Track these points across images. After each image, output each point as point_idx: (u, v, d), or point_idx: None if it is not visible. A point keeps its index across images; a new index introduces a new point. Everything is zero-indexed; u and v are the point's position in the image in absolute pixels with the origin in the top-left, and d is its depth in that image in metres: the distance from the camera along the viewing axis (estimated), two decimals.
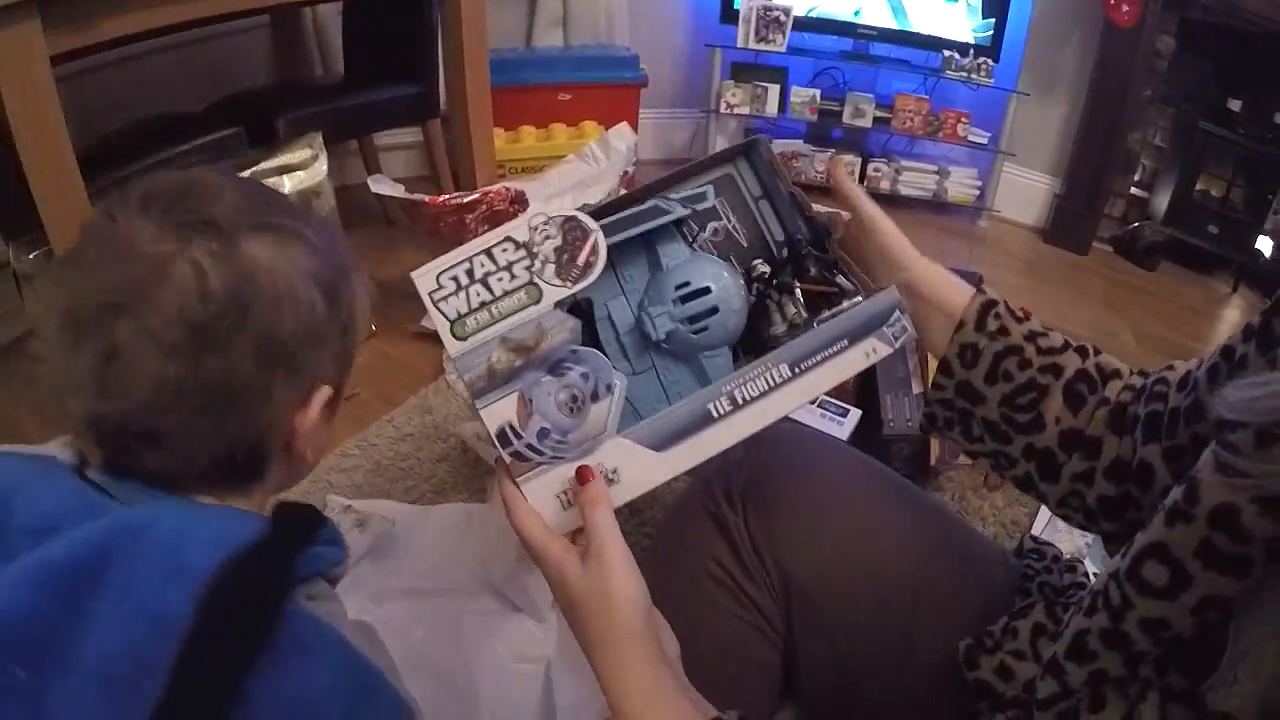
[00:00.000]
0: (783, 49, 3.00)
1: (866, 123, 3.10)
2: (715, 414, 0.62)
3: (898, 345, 0.66)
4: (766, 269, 0.74)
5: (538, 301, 0.61)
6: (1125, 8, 2.75)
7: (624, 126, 2.17)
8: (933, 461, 1.49)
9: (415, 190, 1.95)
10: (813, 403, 1.43)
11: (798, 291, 0.72)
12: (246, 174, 1.64)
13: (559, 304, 0.62)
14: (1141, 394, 0.64)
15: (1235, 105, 2.84)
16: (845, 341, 0.64)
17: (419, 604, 1.24)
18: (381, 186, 1.81)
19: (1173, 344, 2.43)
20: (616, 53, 2.96)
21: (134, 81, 2.22)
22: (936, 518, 0.87)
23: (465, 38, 1.89)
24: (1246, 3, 2.58)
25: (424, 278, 0.61)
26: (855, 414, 1.43)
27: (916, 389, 1.50)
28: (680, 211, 0.71)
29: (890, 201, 3.16)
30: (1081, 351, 0.70)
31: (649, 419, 0.62)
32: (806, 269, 0.73)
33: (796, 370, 0.63)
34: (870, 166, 3.17)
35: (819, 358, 0.64)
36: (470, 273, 0.61)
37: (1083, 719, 0.54)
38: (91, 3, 1.28)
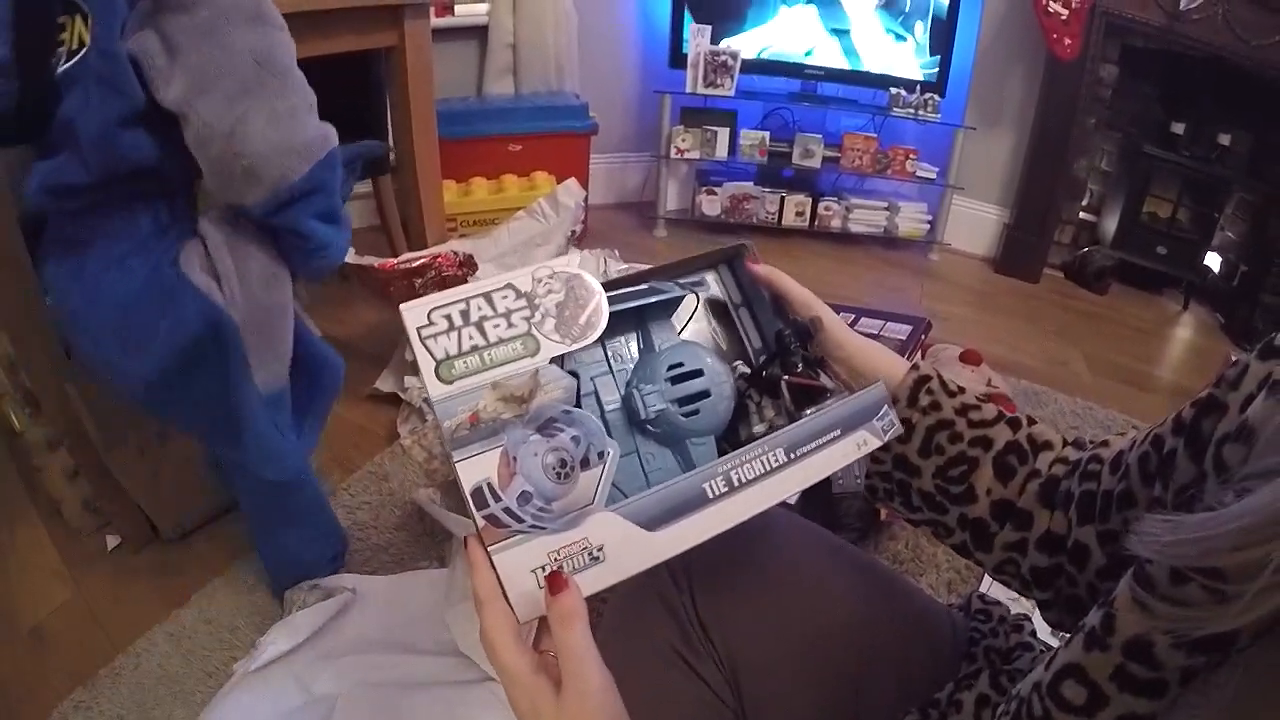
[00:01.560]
0: (731, 93, 3.04)
1: (816, 163, 3.16)
2: (710, 494, 0.58)
3: (886, 438, 0.66)
4: (746, 369, 0.75)
5: (534, 354, 0.57)
6: (1068, 41, 2.82)
7: (572, 182, 2.19)
8: (882, 516, 1.51)
9: (366, 242, 1.95)
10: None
11: (783, 387, 0.71)
12: None
13: (553, 361, 0.58)
14: (1075, 469, 0.64)
15: (1179, 128, 2.92)
16: (838, 431, 0.63)
17: (382, 668, 1.25)
18: None
19: (1124, 368, 2.48)
20: (566, 101, 2.98)
21: None
22: (884, 583, 0.88)
23: (412, 98, 1.91)
24: (1186, 29, 2.67)
25: (413, 311, 0.56)
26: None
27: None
28: (678, 292, 0.71)
29: (842, 239, 3.22)
30: (1013, 424, 0.71)
31: (639, 495, 0.57)
32: (793, 365, 0.73)
33: (792, 456, 0.61)
34: (821, 205, 3.22)
35: (814, 445, 0.62)
36: (465, 314, 0.57)
37: None
38: None
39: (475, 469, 0.53)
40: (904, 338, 1.95)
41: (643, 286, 0.69)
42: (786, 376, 0.72)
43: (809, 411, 0.67)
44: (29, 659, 1.37)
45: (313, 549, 1.38)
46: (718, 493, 0.58)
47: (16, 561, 1.56)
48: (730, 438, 0.70)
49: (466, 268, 1.83)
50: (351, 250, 1.79)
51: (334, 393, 1.25)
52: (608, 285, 0.63)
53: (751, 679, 0.80)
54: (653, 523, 0.56)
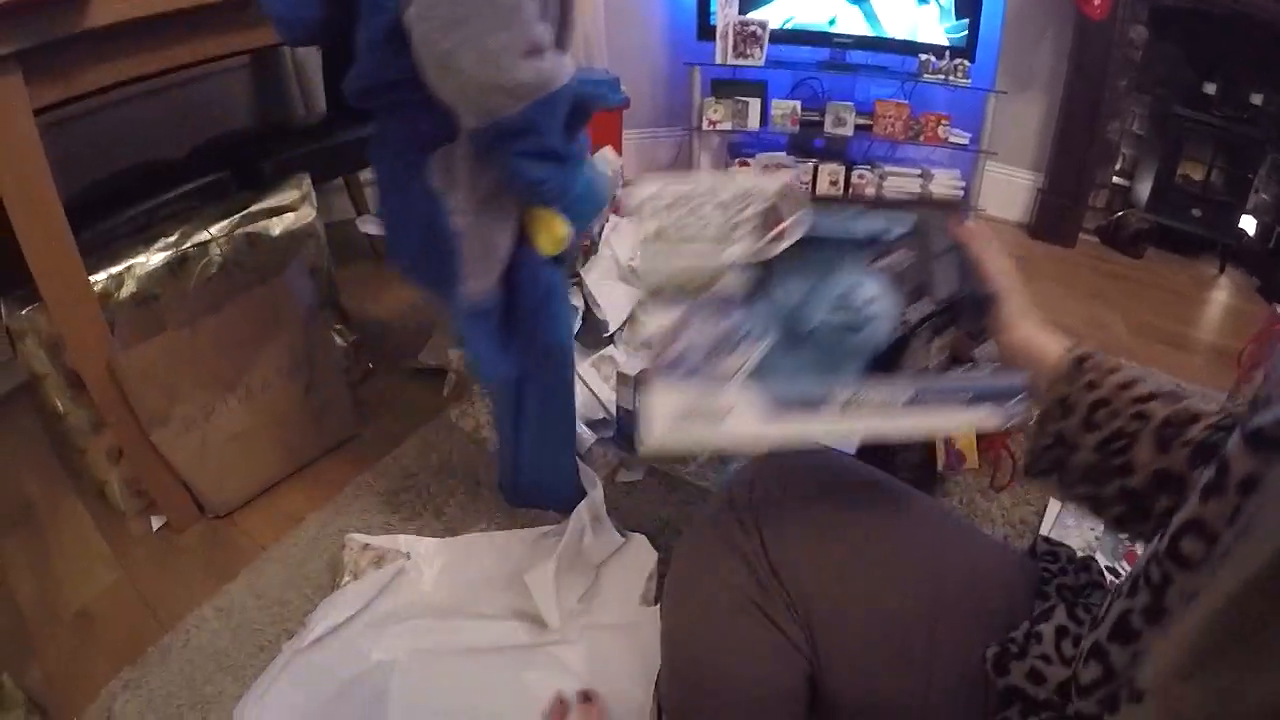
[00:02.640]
0: (761, 63, 3.01)
1: (848, 131, 3.11)
2: (829, 403, 0.66)
3: (1008, 424, 0.70)
4: (928, 309, 0.78)
5: (723, 248, 0.70)
6: (1097, 1, 2.76)
7: (608, 150, 2.16)
8: (939, 467, 1.49)
9: None
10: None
11: (946, 335, 0.77)
12: (235, 217, 1.64)
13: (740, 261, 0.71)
14: (1220, 429, 0.66)
15: (1210, 89, 2.86)
16: (968, 396, 0.68)
17: (441, 632, 1.24)
18: (370, 226, 1.80)
19: (1163, 330, 2.45)
20: (597, 76, 2.95)
21: (113, 127, 2.19)
22: (950, 528, 0.87)
23: None
24: None
25: (646, 185, 0.71)
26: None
27: None
28: (878, 226, 0.78)
29: (876, 206, 3.17)
30: (1170, 398, 0.71)
31: (775, 383, 0.67)
32: (961, 326, 0.79)
33: (913, 398, 0.67)
34: (854, 174, 3.18)
35: (938, 399, 0.68)
36: (683, 201, 0.70)
37: (1122, 709, 0.54)
38: (73, 55, 1.26)
39: (655, 318, 0.69)
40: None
41: (850, 211, 0.77)
42: (947, 331, 0.78)
43: (959, 369, 0.74)
44: (77, 641, 1.37)
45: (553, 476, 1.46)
46: (836, 403, 0.66)
47: (59, 545, 1.56)
48: (882, 364, 0.76)
49: None
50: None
51: (537, 318, 1.28)
52: (819, 201, 0.69)
53: (824, 623, 0.79)
54: (775, 408, 0.66)
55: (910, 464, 1.47)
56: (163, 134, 2.24)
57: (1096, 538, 1.45)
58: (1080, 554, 0.85)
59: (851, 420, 0.66)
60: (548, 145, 1.00)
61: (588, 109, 1.07)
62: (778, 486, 0.85)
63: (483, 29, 0.89)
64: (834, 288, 0.73)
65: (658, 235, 0.70)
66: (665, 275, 0.69)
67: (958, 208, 0.79)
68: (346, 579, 1.34)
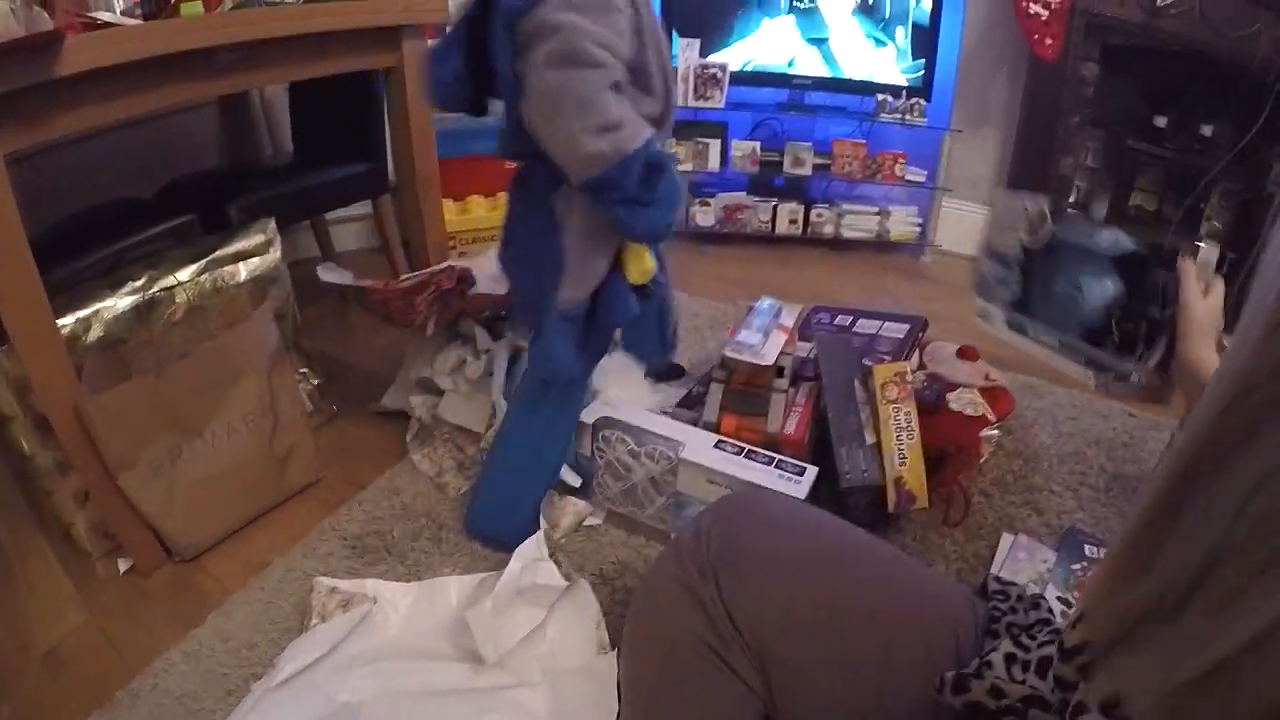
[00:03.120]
0: (721, 105, 3.08)
1: (806, 170, 3.18)
2: None
3: None
4: None
5: None
6: (1049, 41, 2.86)
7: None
8: (890, 508, 1.53)
9: (367, 263, 1.96)
10: (769, 464, 1.48)
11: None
12: (202, 262, 1.67)
13: None
14: None
15: (1161, 122, 2.95)
16: None
17: (405, 674, 1.25)
18: (330, 275, 1.81)
19: None
20: None
21: (79, 166, 2.21)
22: (901, 568, 0.90)
23: (411, 118, 1.93)
24: (1164, 25, 2.70)
25: None
26: (812, 471, 1.45)
27: (869, 439, 1.54)
28: None
29: (835, 245, 3.25)
30: None
31: None
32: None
33: None
34: (813, 212, 3.25)
35: None
36: None
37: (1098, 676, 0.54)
38: (43, 102, 1.28)
39: None
40: (901, 336, 1.97)
41: None
42: None
43: None
44: (45, 683, 1.36)
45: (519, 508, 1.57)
46: None
47: (27, 586, 1.56)
48: None
49: (465, 282, 1.84)
50: (350, 274, 1.81)
51: (608, 335, 1.64)
52: None
53: (780, 668, 0.82)
54: None
55: (861, 505, 1.51)
56: (129, 172, 2.26)
57: (1049, 569, 1.48)
58: (1032, 588, 0.88)
59: None
60: (629, 194, 1.27)
61: (661, 165, 1.29)
62: (734, 533, 0.88)
63: (568, 119, 1.21)
64: None
65: None
66: None
67: None
68: (315, 621, 1.35)
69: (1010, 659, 0.70)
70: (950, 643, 0.80)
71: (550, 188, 1.39)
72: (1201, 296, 1.00)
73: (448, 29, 1.40)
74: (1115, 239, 1.18)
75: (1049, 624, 0.80)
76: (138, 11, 1.48)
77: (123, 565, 1.58)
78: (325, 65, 1.74)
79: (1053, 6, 2.82)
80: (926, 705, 0.74)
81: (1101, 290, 1.12)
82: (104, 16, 1.41)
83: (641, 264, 1.46)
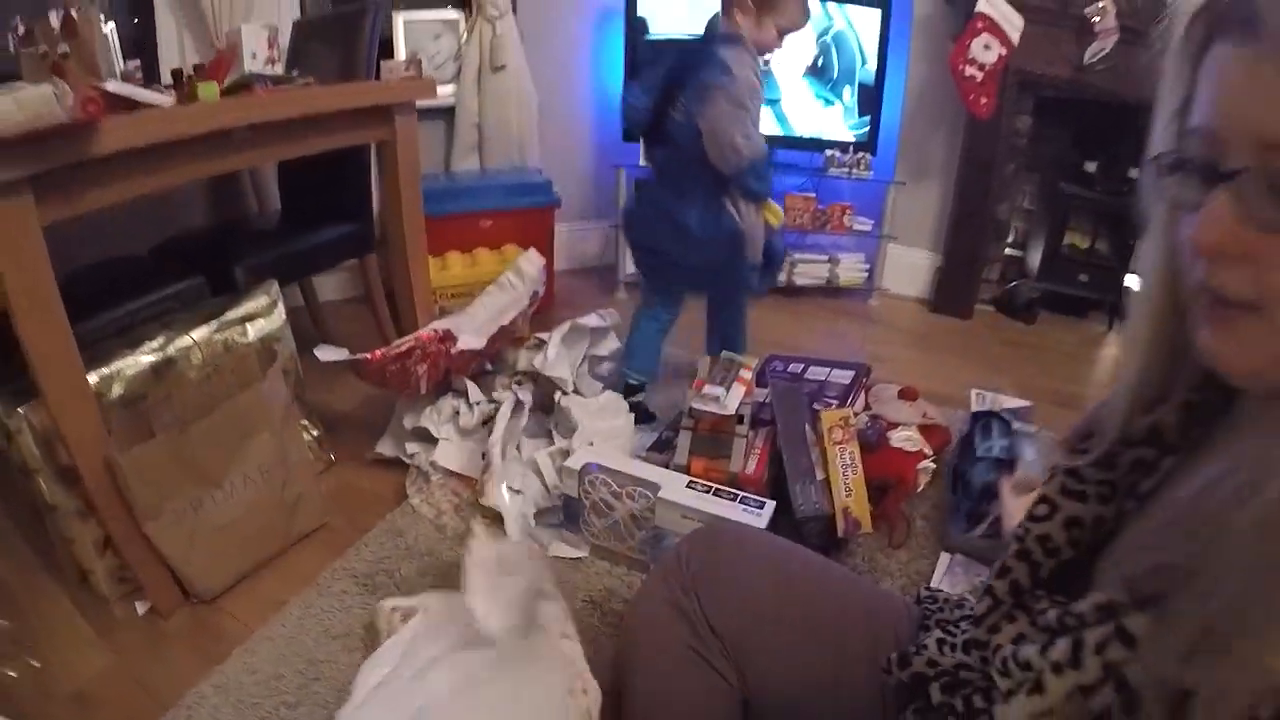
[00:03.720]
0: None
1: None
2: None
3: None
4: None
5: None
6: (984, 100, 3.10)
7: (532, 252, 2.36)
8: (840, 534, 1.73)
9: (352, 313, 2.07)
10: (734, 499, 1.67)
11: None
12: (214, 324, 1.80)
13: None
14: None
15: (1091, 167, 3.24)
16: None
17: (475, 663, 1.31)
18: (328, 354, 1.93)
19: (1053, 390, 2.70)
20: (532, 178, 3.20)
21: (66, 222, 2.30)
22: (850, 583, 1.10)
23: (402, 186, 2.10)
24: (1091, 79, 2.96)
25: None
26: (771, 505, 1.64)
27: (820, 476, 1.76)
28: None
29: (788, 292, 3.47)
30: None
31: None
32: None
33: None
34: None
35: None
36: None
37: (1003, 630, 0.75)
38: (78, 180, 1.41)
39: None
40: (847, 382, 2.18)
41: None
42: None
43: None
44: None
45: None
46: None
47: (46, 632, 1.63)
48: None
49: (448, 341, 1.99)
50: (345, 351, 1.95)
51: (778, 268, 2.41)
52: None
53: (752, 662, 1.00)
54: None
55: (815, 532, 1.71)
56: (116, 230, 2.31)
57: (982, 581, 1.68)
58: (958, 596, 1.07)
59: None
60: (760, 174, 2.03)
61: (769, 161, 2.06)
62: (709, 557, 1.07)
63: (726, 129, 1.94)
64: None
65: None
66: None
67: None
68: (385, 640, 1.43)
69: (941, 642, 0.87)
70: (891, 636, 0.98)
71: (719, 189, 2.06)
72: (1018, 505, 1.14)
73: (643, 74, 2.20)
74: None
75: (971, 617, 0.96)
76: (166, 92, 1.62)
77: (141, 608, 1.67)
78: (328, 140, 1.91)
79: (987, 68, 3.06)
80: (874, 686, 0.93)
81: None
82: (116, 88, 1.51)
83: (774, 212, 2.18)
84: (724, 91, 1.94)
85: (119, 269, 2.13)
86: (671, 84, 2.04)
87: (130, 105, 1.49)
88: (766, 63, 2.47)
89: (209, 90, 1.61)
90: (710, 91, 1.95)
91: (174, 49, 2.79)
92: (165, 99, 1.56)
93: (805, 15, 2.13)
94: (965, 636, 0.82)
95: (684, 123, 2.01)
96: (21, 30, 1.59)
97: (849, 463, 1.78)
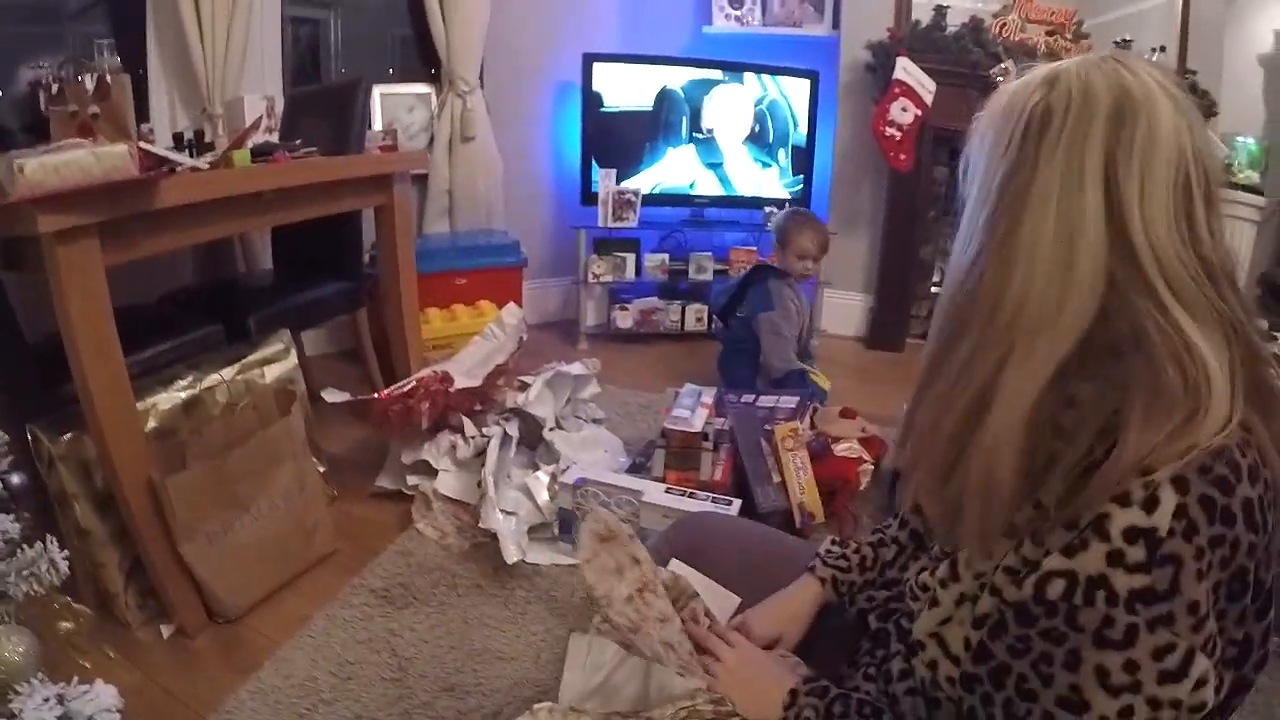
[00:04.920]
0: (635, 224, 3.58)
1: (708, 276, 3.74)
2: None
3: None
4: None
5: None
6: (903, 156, 3.44)
7: (513, 306, 2.60)
8: (797, 524, 2.04)
9: (339, 368, 2.25)
10: (706, 499, 1.94)
11: None
12: (238, 365, 1.99)
13: None
14: None
15: None
16: None
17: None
18: (333, 396, 2.14)
19: None
20: (500, 240, 3.46)
21: None
22: (803, 546, 1.29)
23: (399, 247, 2.32)
24: None
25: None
26: (737, 503, 1.92)
27: (775, 478, 2.09)
28: None
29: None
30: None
31: None
32: None
33: None
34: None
35: None
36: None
37: (910, 567, 0.95)
38: (137, 229, 1.59)
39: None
40: (793, 406, 2.45)
41: None
42: None
43: None
44: None
45: None
46: None
47: (70, 648, 1.59)
48: None
49: (446, 383, 2.20)
50: (348, 395, 2.15)
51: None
52: None
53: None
54: None
55: (776, 525, 1.94)
56: (123, 281, 2.43)
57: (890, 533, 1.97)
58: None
59: None
60: (786, 382, 2.63)
61: (799, 374, 2.70)
62: (694, 536, 1.27)
63: (768, 355, 2.70)
64: None
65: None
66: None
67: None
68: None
69: (869, 584, 1.12)
70: None
71: (751, 354, 2.87)
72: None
73: (729, 284, 3.15)
74: None
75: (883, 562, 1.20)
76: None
77: (166, 631, 1.78)
78: (338, 204, 2.14)
79: (905, 128, 3.41)
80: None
81: None
82: (157, 150, 1.69)
83: (821, 379, 2.89)
84: (769, 321, 2.80)
85: (136, 315, 2.21)
86: (736, 295, 2.95)
87: (160, 162, 1.66)
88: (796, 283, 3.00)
89: (243, 156, 1.83)
90: (759, 321, 2.82)
91: (165, 114, 2.99)
92: (200, 161, 1.76)
93: (813, 243, 2.88)
94: (888, 576, 1.06)
95: (740, 320, 2.92)
96: (54, 89, 1.73)
97: (800, 465, 2.11)
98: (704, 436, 2.15)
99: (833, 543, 1.17)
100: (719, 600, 1.11)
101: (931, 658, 0.79)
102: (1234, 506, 0.60)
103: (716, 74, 3.73)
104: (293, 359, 2.13)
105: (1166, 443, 0.61)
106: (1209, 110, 3.58)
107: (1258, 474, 0.63)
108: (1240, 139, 3.83)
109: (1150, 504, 0.60)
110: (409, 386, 2.15)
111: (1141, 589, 0.59)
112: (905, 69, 3.38)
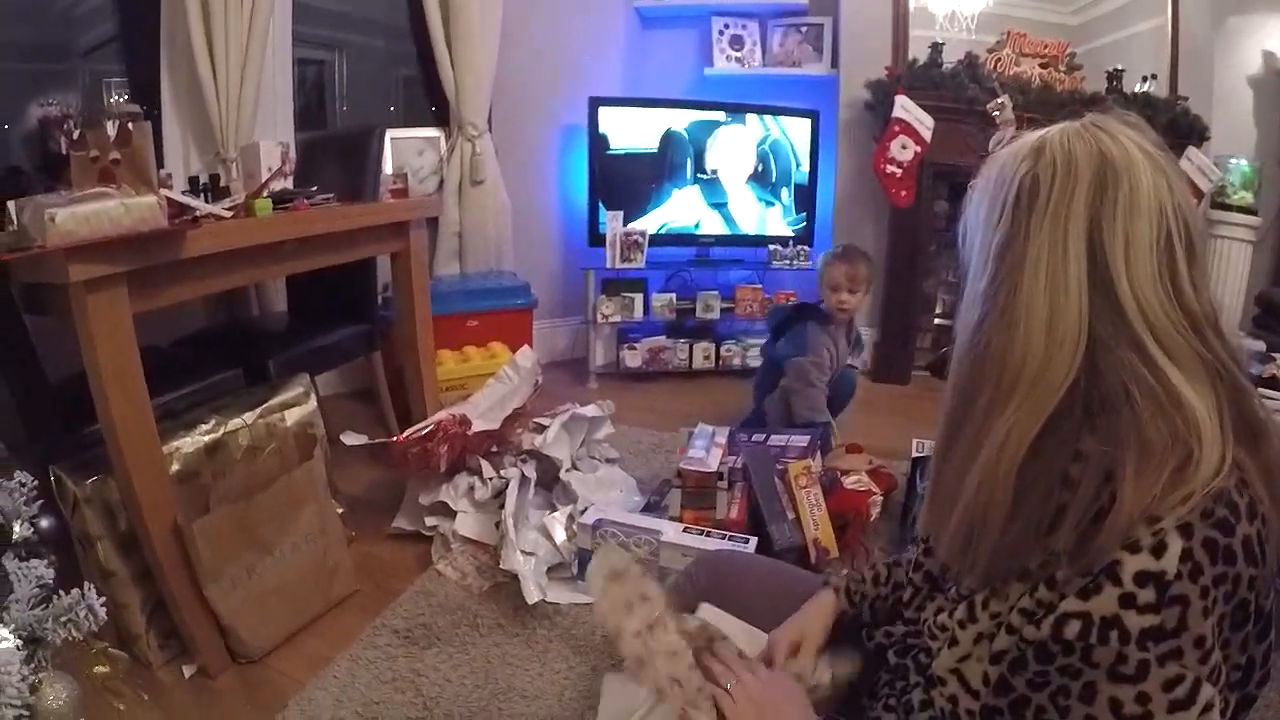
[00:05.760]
0: (642, 265, 3.62)
1: (715, 315, 3.78)
2: None
3: None
4: None
5: None
6: (904, 192, 3.50)
7: (526, 349, 2.64)
8: (813, 560, 2.06)
9: (352, 409, 2.29)
10: (723, 538, 1.96)
11: None
12: (260, 409, 2.01)
13: None
14: None
15: None
16: None
17: None
18: (352, 439, 2.16)
19: None
20: (510, 282, 3.49)
21: None
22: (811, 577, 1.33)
23: (415, 290, 2.36)
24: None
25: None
26: (754, 540, 1.96)
27: (790, 515, 2.10)
28: None
29: (744, 374, 3.77)
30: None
31: None
32: None
33: None
34: (722, 348, 3.85)
35: None
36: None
37: (926, 608, 0.98)
38: (163, 277, 1.62)
39: None
40: (804, 444, 2.48)
41: None
42: None
43: None
44: None
45: None
46: None
47: (91, 689, 1.57)
48: None
49: (464, 425, 2.23)
50: (365, 437, 2.17)
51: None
52: None
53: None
54: None
55: (792, 562, 1.98)
56: (138, 324, 2.48)
57: (904, 571, 1.99)
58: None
59: None
60: (819, 424, 2.59)
61: (822, 423, 2.64)
62: (714, 577, 1.30)
63: (795, 404, 2.64)
64: None
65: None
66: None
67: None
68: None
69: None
70: None
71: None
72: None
73: (784, 305, 3.13)
74: None
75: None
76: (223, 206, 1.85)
77: (188, 671, 1.79)
78: (357, 251, 2.18)
79: (905, 165, 3.48)
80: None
81: None
82: (179, 198, 1.73)
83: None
84: (799, 368, 2.74)
85: (156, 359, 2.22)
86: (779, 327, 2.95)
87: (182, 210, 1.71)
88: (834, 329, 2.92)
89: (264, 205, 1.87)
90: (789, 366, 2.77)
91: (179, 156, 3.04)
92: (219, 209, 1.80)
93: (843, 275, 2.79)
94: (906, 615, 1.08)
95: (776, 350, 2.91)
96: (76, 134, 1.72)
97: (814, 503, 2.12)
98: (719, 476, 2.18)
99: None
100: (751, 640, 1.13)
101: (952, 693, 0.82)
102: (1235, 545, 0.65)
103: (720, 115, 3.79)
104: (313, 402, 2.16)
105: (1166, 491, 0.66)
106: (1201, 135, 3.65)
107: (1255, 510, 0.68)
108: (1233, 160, 3.89)
109: (1158, 550, 0.64)
110: (427, 430, 2.17)
111: (1152, 628, 0.64)
112: (904, 107, 3.45)
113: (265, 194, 1.99)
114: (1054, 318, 0.72)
